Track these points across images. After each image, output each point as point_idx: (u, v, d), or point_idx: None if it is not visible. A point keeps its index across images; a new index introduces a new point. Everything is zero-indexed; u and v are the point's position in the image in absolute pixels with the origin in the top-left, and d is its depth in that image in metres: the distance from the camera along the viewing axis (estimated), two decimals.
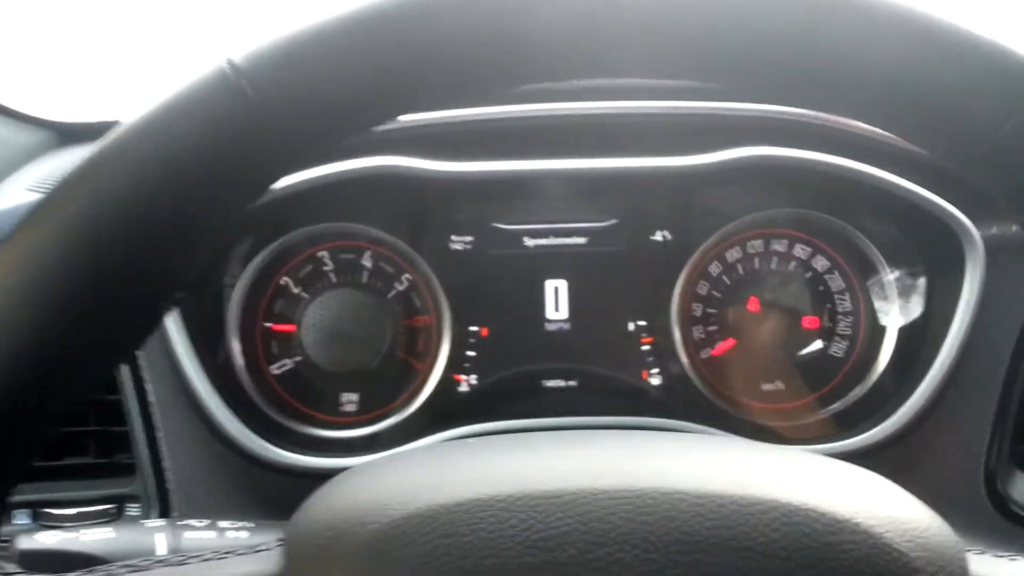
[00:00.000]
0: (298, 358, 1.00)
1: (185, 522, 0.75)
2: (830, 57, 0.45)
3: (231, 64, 0.44)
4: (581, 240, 1.02)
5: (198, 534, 0.73)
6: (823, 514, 0.47)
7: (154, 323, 0.43)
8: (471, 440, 0.59)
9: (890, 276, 0.99)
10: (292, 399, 1.00)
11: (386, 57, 0.45)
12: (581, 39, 0.46)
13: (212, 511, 0.93)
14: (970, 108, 0.45)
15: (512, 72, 0.48)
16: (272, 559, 0.51)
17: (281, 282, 1.01)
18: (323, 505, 0.50)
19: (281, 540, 0.51)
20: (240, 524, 0.75)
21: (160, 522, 0.74)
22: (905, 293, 0.98)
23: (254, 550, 0.53)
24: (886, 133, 0.71)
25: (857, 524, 0.47)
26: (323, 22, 0.44)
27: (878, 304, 1.00)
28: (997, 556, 0.50)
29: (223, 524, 0.75)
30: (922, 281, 0.97)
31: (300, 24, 0.44)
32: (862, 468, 0.54)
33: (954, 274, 0.91)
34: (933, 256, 0.95)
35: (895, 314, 0.99)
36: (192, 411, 0.92)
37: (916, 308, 0.97)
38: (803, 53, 0.45)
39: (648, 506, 0.47)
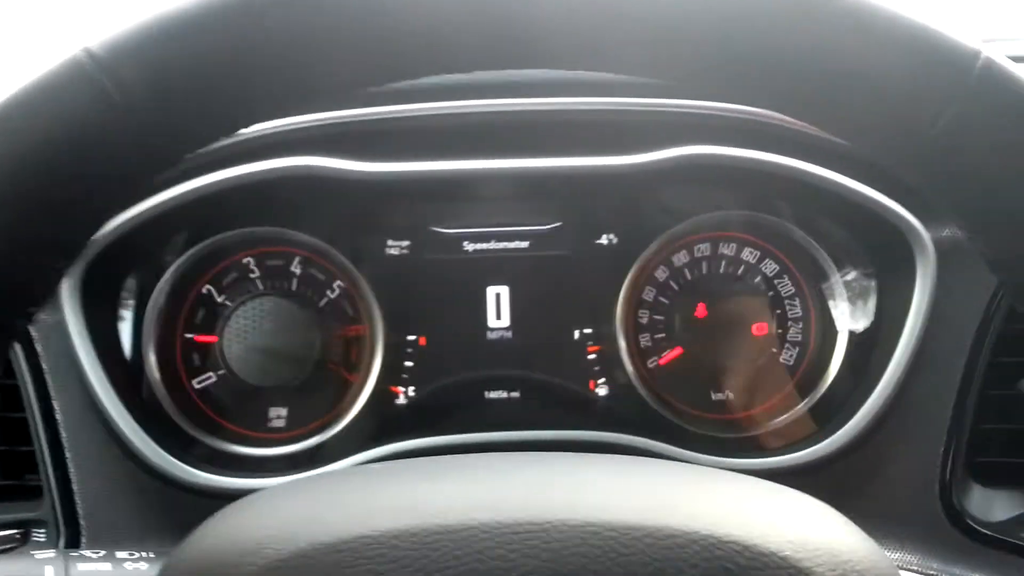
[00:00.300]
0: (221, 371, 0.94)
1: (79, 552, 0.69)
2: (759, 48, 0.41)
3: (89, 54, 0.39)
4: (524, 244, 0.97)
5: (91, 566, 0.67)
6: (746, 547, 0.43)
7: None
8: (372, 466, 0.54)
9: (840, 280, 0.96)
10: (215, 415, 0.94)
11: (264, 40, 0.41)
12: (463, 32, 0.42)
13: (126, 537, 0.87)
14: (902, 103, 0.41)
15: (399, 64, 0.44)
16: None
17: (203, 290, 0.94)
18: (197, 546, 0.46)
19: None
20: (139, 555, 0.69)
21: (50, 553, 0.68)
22: (856, 298, 0.95)
23: None
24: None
25: (784, 558, 0.43)
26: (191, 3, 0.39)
27: (827, 310, 0.96)
28: None
29: (121, 555, 0.69)
30: (873, 285, 0.94)
31: (165, 5, 0.39)
32: (795, 491, 0.50)
33: (905, 278, 0.88)
34: (884, 260, 0.92)
35: (846, 320, 0.96)
36: (102, 429, 0.86)
37: (867, 314, 0.94)
38: (731, 44, 0.41)
39: (555, 540, 0.43)
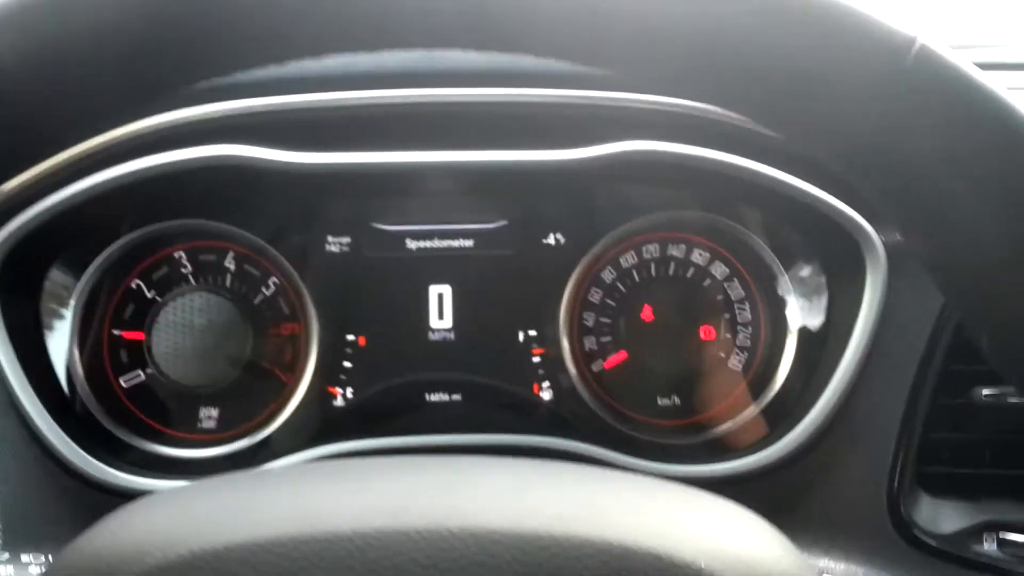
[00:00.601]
0: (149, 370, 0.90)
1: None
2: (688, 37, 0.39)
3: None
4: (468, 243, 0.94)
5: None
6: (660, 557, 0.41)
7: None
8: (274, 468, 0.52)
9: (790, 280, 0.94)
10: (143, 415, 0.91)
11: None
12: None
13: (45, 539, 0.83)
14: (835, 90, 0.39)
15: (280, 44, 0.42)
16: None
17: (132, 285, 0.91)
18: (81, 548, 0.43)
19: None
20: (45, 558, 0.66)
21: None
22: (806, 299, 0.93)
23: None
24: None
25: (699, 569, 0.41)
26: None
27: (777, 314, 0.94)
28: None
29: (26, 558, 0.66)
30: (824, 287, 0.91)
31: None
32: (721, 499, 0.48)
33: (855, 283, 0.85)
34: (834, 263, 0.90)
35: (795, 325, 0.93)
36: (21, 429, 0.83)
37: (816, 318, 0.92)
38: (659, 33, 0.39)
39: (454, 549, 0.40)
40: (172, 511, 0.45)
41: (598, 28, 0.39)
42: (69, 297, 0.89)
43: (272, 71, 0.84)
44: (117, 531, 0.44)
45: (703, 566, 0.41)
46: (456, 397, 0.94)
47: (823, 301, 0.91)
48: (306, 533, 0.41)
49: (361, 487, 0.46)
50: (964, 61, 0.39)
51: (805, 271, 0.93)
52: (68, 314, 0.89)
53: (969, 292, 0.41)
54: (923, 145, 0.39)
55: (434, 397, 0.94)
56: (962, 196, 0.39)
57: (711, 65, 0.40)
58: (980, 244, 0.39)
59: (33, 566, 0.67)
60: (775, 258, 0.94)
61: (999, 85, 0.39)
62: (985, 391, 0.83)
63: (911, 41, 0.38)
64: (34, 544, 0.82)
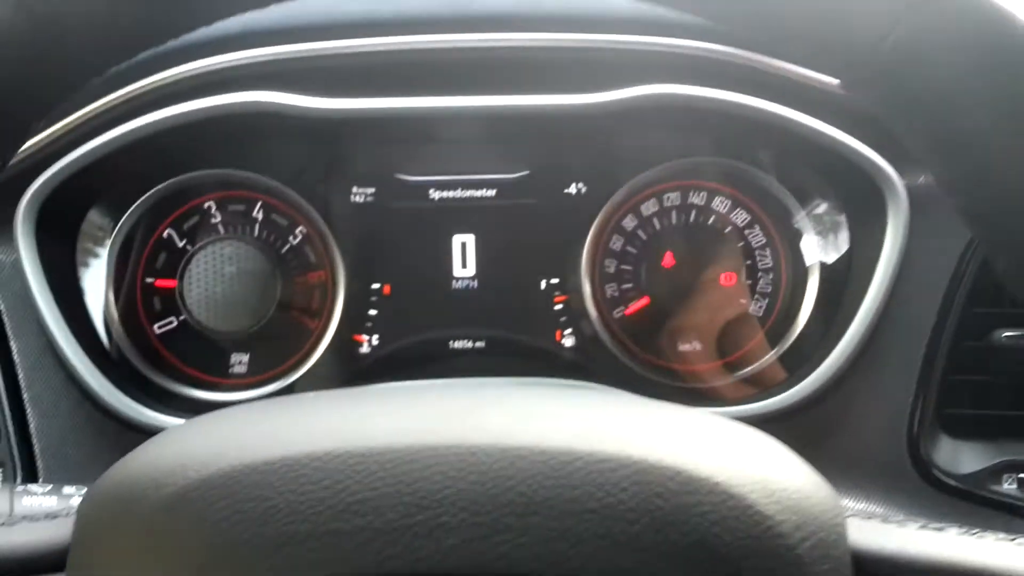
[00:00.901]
0: (182, 316, 0.93)
1: (24, 487, 0.68)
2: None
3: None
4: (490, 193, 0.95)
5: (36, 500, 0.67)
6: (678, 472, 0.42)
7: None
8: (302, 395, 0.53)
9: (811, 229, 0.94)
10: (176, 360, 0.93)
11: None
12: None
13: (87, 476, 0.86)
14: (852, 17, 0.39)
15: None
16: (64, 526, 0.45)
17: (164, 235, 0.93)
18: (122, 469, 0.45)
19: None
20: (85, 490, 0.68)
21: None
22: (826, 246, 0.93)
23: (48, 516, 0.48)
24: (803, 72, 0.65)
25: (716, 483, 0.42)
26: None
27: (798, 260, 0.94)
28: (884, 523, 0.45)
29: (68, 490, 0.69)
30: (844, 233, 0.92)
31: None
32: (739, 423, 0.49)
33: (877, 225, 0.86)
34: (857, 206, 0.90)
35: (816, 269, 0.94)
36: (60, 371, 0.85)
37: (838, 262, 0.92)
38: None
39: (482, 463, 0.42)
40: (209, 432, 0.47)
41: None
42: (105, 238, 0.92)
43: (296, 17, 0.85)
44: (158, 451, 0.46)
45: (721, 480, 0.42)
46: (480, 344, 0.96)
47: (844, 245, 0.92)
48: (340, 448, 0.42)
49: (392, 408, 0.48)
50: None
51: (825, 212, 0.93)
52: (104, 260, 0.91)
53: (987, 216, 0.42)
54: (943, 69, 0.39)
55: (458, 345, 0.96)
56: (982, 119, 0.39)
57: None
58: (994, 172, 0.39)
59: (76, 496, 0.70)
60: (796, 202, 0.94)
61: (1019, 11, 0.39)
62: (1006, 333, 0.84)
63: None
64: (75, 479, 0.85)
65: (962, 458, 0.86)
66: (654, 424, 0.47)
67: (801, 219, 0.94)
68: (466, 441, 0.43)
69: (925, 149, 0.42)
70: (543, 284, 0.95)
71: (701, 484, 0.42)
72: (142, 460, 0.45)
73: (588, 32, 0.85)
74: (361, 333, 0.95)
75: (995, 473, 0.84)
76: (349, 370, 0.95)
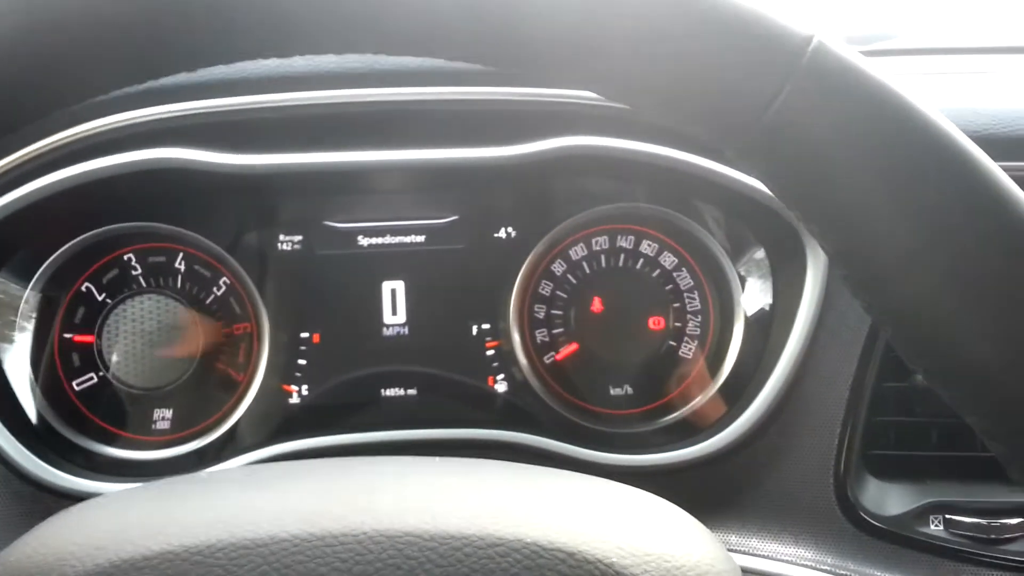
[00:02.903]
0: (102, 373, 0.91)
1: None
2: (589, 32, 0.39)
3: None
4: (420, 238, 0.95)
5: None
6: (571, 553, 0.41)
7: None
8: (198, 475, 0.52)
9: (737, 272, 0.94)
10: (96, 418, 0.91)
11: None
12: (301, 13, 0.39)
13: (3, 544, 0.84)
14: (734, 88, 0.39)
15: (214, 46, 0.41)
16: None
17: (82, 288, 0.91)
18: (6, 557, 0.44)
19: None
20: None
21: None
22: (752, 290, 0.94)
23: None
24: None
25: (610, 564, 0.41)
26: None
27: (726, 301, 0.95)
28: None
29: None
30: (768, 278, 0.92)
31: None
32: (642, 492, 0.49)
33: (798, 270, 0.86)
34: (777, 251, 0.91)
35: (743, 311, 0.94)
36: None
37: (763, 305, 0.93)
38: (561, 29, 0.39)
39: (368, 552, 0.41)
40: (94, 521, 0.45)
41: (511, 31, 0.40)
42: (18, 304, 0.89)
43: (215, 72, 0.84)
44: (39, 542, 0.44)
45: (615, 560, 0.42)
46: (412, 392, 0.95)
47: (769, 287, 0.92)
48: (223, 540, 0.41)
49: (279, 492, 0.47)
50: (861, 58, 0.39)
51: (751, 259, 0.94)
52: (19, 321, 0.89)
53: (870, 288, 0.42)
54: (822, 142, 0.39)
55: (390, 392, 0.95)
56: (860, 193, 0.39)
57: (617, 64, 0.40)
58: (878, 242, 0.39)
59: None
60: (721, 247, 0.95)
61: (897, 82, 0.39)
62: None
63: (807, 39, 0.39)
64: None
65: (889, 499, 0.86)
66: (549, 503, 0.46)
67: (727, 263, 0.94)
68: (352, 529, 0.42)
69: (808, 220, 0.42)
70: (474, 329, 0.95)
71: (594, 567, 0.41)
72: (29, 547, 0.44)
73: (508, 85, 0.85)
74: (290, 383, 0.93)
75: (921, 514, 0.85)
76: (278, 421, 0.93)
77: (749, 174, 0.39)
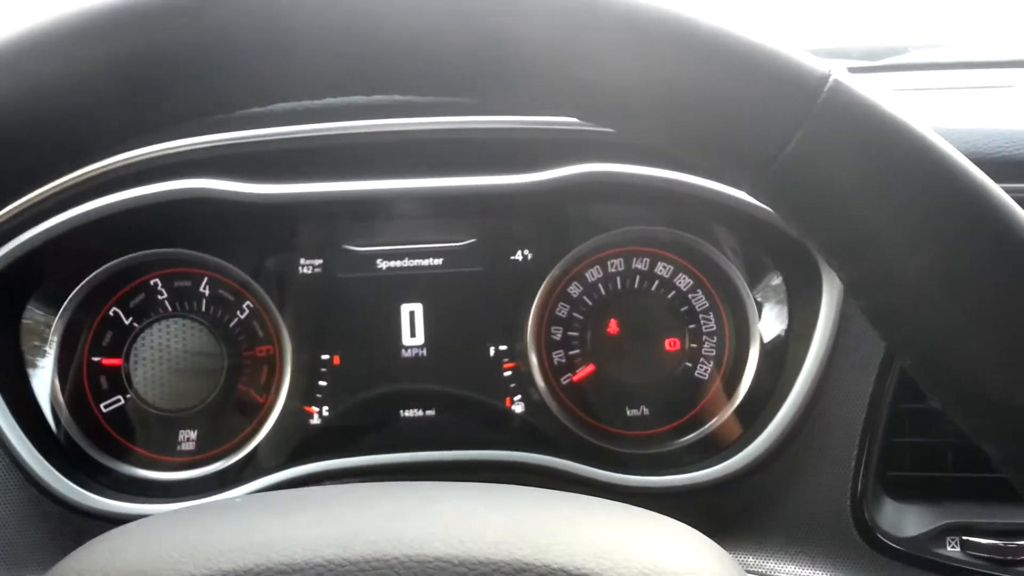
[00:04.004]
0: (128, 395, 0.93)
1: None
2: (602, 71, 0.40)
3: None
4: (438, 261, 0.96)
5: None
6: None
7: None
8: (230, 500, 0.54)
9: (752, 294, 0.95)
10: (123, 439, 0.93)
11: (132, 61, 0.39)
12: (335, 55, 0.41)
13: (32, 565, 0.86)
14: (749, 128, 0.40)
15: (264, 89, 0.42)
16: None
17: (110, 312, 0.93)
18: None
19: None
20: None
21: None
22: (768, 312, 0.94)
23: None
24: None
25: None
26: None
27: (741, 323, 0.95)
28: None
29: None
30: (784, 300, 0.93)
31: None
32: (664, 518, 0.50)
33: (813, 292, 0.87)
34: (793, 274, 0.91)
35: (758, 334, 0.95)
36: (3, 457, 0.85)
37: (779, 327, 0.93)
38: (574, 68, 0.41)
39: None
40: (131, 547, 0.47)
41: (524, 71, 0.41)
42: (48, 328, 0.92)
43: None
44: (78, 568, 0.46)
45: None
46: (430, 412, 0.96)
47: (784, 310, 0.93)
48: (261, 565, 0.43)
49: (313, 518, 0.48)
50: (877, 94, 0.40)
51: (768, 282, 0.95)
52: (48, 345, 0.91)
53: (889, 320, 0.42)
54: (839, 179, 0.40)
55: (408, 413, 0.96)
56: (877, 229, 0.40)
57: (631, 101, 0.41)
58: (895, 275, 0.40)
59: None
60: (737, 270, 0.95)
61: (914, 118, 0.40)
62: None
63: (823, 77, 0.39)
64: (17, 569, 0.84)
65: (906, 521, 0.86)
66: (574, 528, 0.47)
67: (743, 286, 0.95)
68: (385, 554, 0.43)
69: (826, 253, 0.43)
70: (492, 351, 0.96)
71: None
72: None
73: (527, 113, 0.87)
74: (311, 404, 0.95)
75: (939, 536, 0.85)
76: (299, 442, 0.94)
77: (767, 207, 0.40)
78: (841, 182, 0.40)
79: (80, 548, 0.47)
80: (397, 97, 0.87)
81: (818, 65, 0.40)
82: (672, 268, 0.96)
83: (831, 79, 0.39)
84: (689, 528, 0.50)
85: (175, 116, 0.41)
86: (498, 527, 0.46)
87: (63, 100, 0.38)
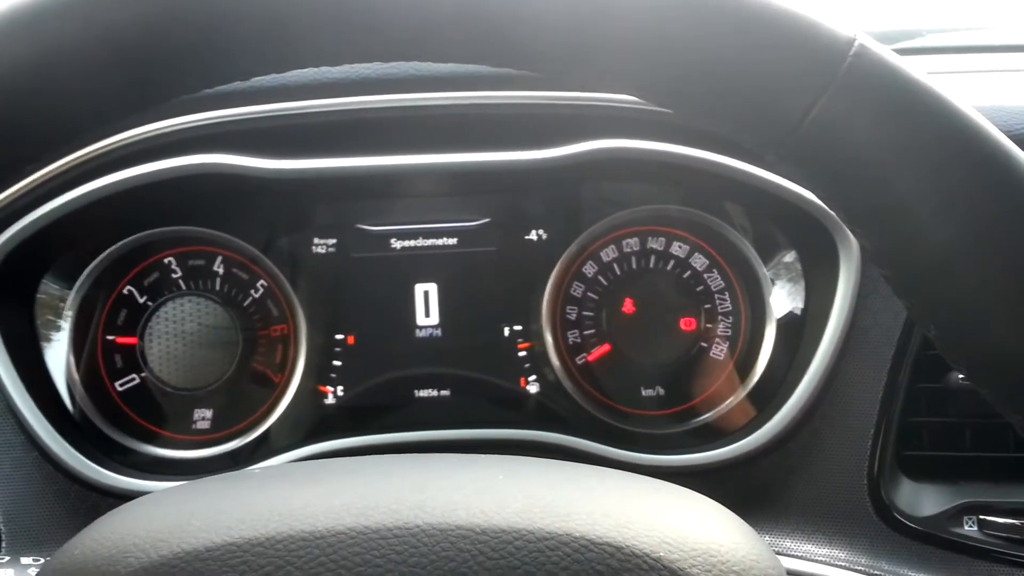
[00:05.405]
0: (143, 373, 0.93)
1: None
2: (627, 37, 0.40)
3: None
4: (452, 241, 0.96)
5: None
6: (620, 548, 0.42)
7: None
8: (251, 470, 0.54)
9: (768, 274, 0.95)
10: (138, 417, 0.93)
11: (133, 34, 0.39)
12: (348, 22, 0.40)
13: (47, 542, 0.86)
14: (774, 93, 0.40)
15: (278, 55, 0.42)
16: None
17: (124, 291, 0.93)
18: (70, 551, 0.46)
19: None
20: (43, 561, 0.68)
21: None
22: (784, 291, 0.94)
23: None
24: None
25: (658, 559, 0.42)
26: None
27: (757, 302, 0.95)
28: None
29: (25, 560, 0.69)
30: (800, 279, 0.92)
31: None
32: (683, 489, 0.50)
33: (830, 270, 0.86)
34: (809, 253, 0.91)
35: (775, 313, 0.94)
36: (20, 433, 0.85)
37: (795, 306, 0.93)
38: (598, 34, 0.40)
39: (423, 545, 0.42)
40: (154, 515, 0.47)
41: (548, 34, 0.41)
42: (63, 305, 0.92)
43: (250, 80, 0.86)
44: (102, 536, 0.46)
45: (662, 555, 0.43)
46: (445, 393, 0.96)
47: (801, 289, 0.92)
48: (283, 533, 0.43)
49: (333, 487, 0.48)
50: (901, 60, 0.40)
51: (783, 261, 0.94)
52: (63, 322, 0.91)
53: (913, 288, 0.42)
54: (864, 145, 0.40)
55: (423, 393, 0.96)
56: (903, 195, 0.40)
57: (656, 67, 0.41)
58: (921, 242, 0.39)
59: (32, 568, 0.69)
60: (753, 249, 0.95)
61: (937, 84, 0.40)
62: (961, 375, 0.84)
63: (849, 41, 0.39)
64: (35, 546, 0.85)
65: (923, 500, 0.86)
66: (597, 499, 0.47)
67: (758, 265, 0.95)
68: (406, 523, 0.43)
69: (851, 222, 0.43)
70: (506, 331, 0.96)
71: (642, 560, 0.42)
72: (92, 541, 0.46)
73: (542, 89, 0.86)
74: (326, 384, 0.95)
75: (956, 515, 0.85)
76: (314, 422, 0.95)
77: (790, 178, 0.40)
78: (866, 148, 0.39)
79: (100, 518, 0.47)
80: (412, 71, 0.87)
81: (843, 29, 0.39)
82: (688, 247, 0.96)
83: (856, 43, 0.39)
84: (711, 500, 0.49)
85: (192, 81, 0.41)
86: (520, 497, 0.46)
87: (67, 71, 0.38)
